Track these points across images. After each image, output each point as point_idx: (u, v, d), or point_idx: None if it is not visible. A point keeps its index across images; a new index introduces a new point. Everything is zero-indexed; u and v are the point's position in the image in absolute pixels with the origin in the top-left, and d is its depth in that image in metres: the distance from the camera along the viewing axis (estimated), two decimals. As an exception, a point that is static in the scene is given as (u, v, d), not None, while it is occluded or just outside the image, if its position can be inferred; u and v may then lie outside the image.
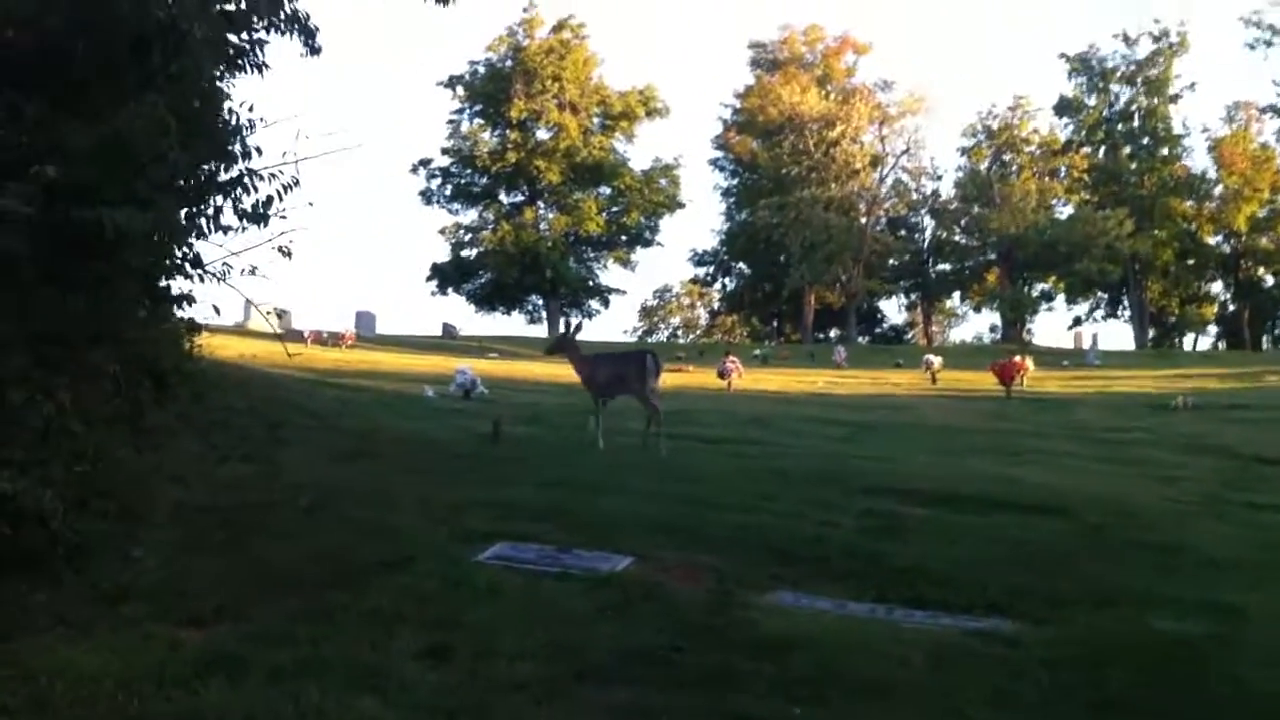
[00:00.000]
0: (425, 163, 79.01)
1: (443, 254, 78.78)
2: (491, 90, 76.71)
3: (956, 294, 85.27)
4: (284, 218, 8.52)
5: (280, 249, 8.54)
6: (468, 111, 78.93)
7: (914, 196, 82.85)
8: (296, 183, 8.47)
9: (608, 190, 78.45)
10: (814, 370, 43.25)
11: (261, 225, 8.49)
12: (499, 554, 7.30)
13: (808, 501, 9.90)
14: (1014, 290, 76.76)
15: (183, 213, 8.44)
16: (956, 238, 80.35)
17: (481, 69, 78.22)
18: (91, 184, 7.00)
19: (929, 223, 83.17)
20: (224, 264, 8.68)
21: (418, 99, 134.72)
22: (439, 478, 9.87)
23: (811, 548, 8.02)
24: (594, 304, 79.81)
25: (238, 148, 8.71)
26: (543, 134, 77.20)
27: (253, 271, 8.72)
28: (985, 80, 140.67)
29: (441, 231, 78.40)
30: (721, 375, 31.58)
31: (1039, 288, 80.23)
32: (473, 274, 77.74)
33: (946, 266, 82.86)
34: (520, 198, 78.67)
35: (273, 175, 8.51)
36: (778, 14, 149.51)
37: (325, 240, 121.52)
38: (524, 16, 77.35)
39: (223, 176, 8.73)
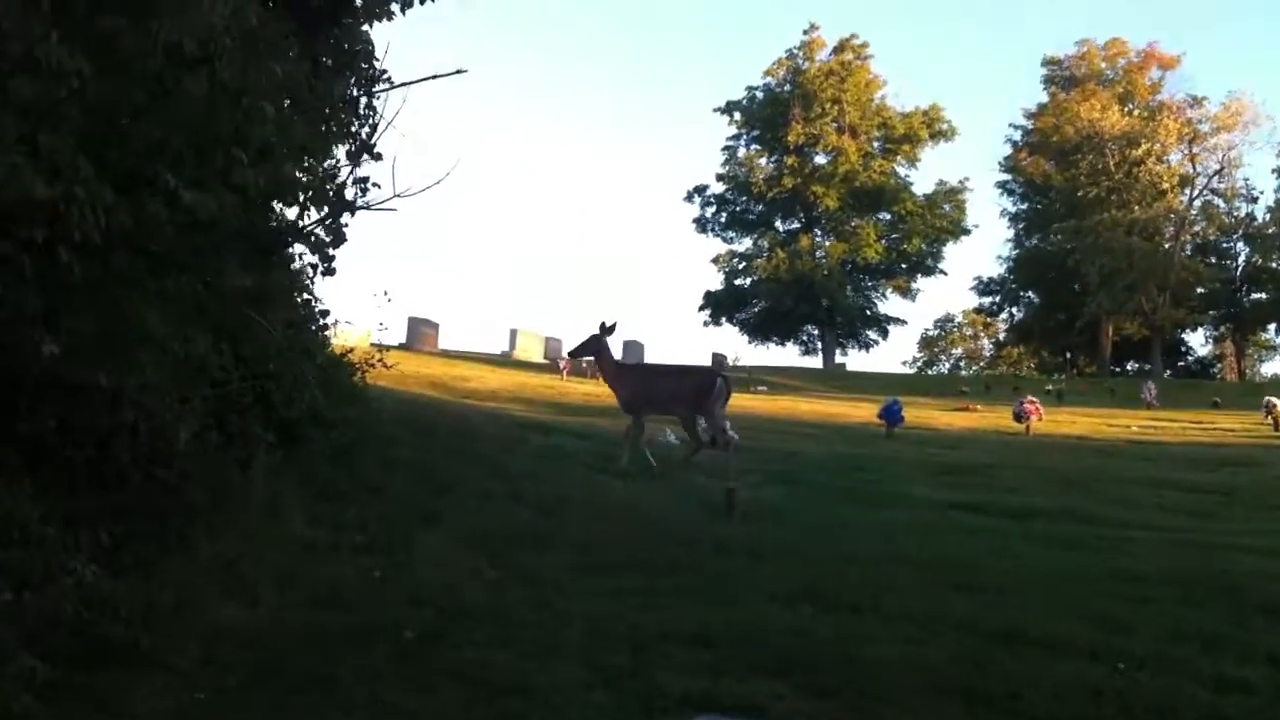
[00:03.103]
0: (700, 190, 78.17)
1: (715, 282, 77.35)
2: (769, 115, 75.18)
3: (1272, 325, 76.53)
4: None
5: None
6: (744, 137, 77.68)
7: (1226, 220, 74.97)
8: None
9: (888, 216, 74.91)
10: (1119, 410, 38.08)
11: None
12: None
13: (1182, 634, 6.45)
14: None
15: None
16: (1274, 264, 72.10)
17: (759, 94, 76.69)
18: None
19: (1243, 248, 75.02)
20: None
21: (691, 126, 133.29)
22: (632, 583, 6.97)
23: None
24: (871, 334, 76.78)
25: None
26: (820, 159, 74.79)
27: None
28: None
29: (715, 260, 77.09)
30: (1018, 418, 27.48)
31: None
32: (746, 303, 75.79)
33: (1262, 295, 74.50)
34: (796, 224, 76.28)
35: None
36: (1071, 30, 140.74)
37: (593, 267, 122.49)
38: (804, 39, 75.92)
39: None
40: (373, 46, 9.06)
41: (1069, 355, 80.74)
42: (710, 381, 13.11)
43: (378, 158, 10.18)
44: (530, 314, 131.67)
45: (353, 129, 9.29)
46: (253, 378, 8.09)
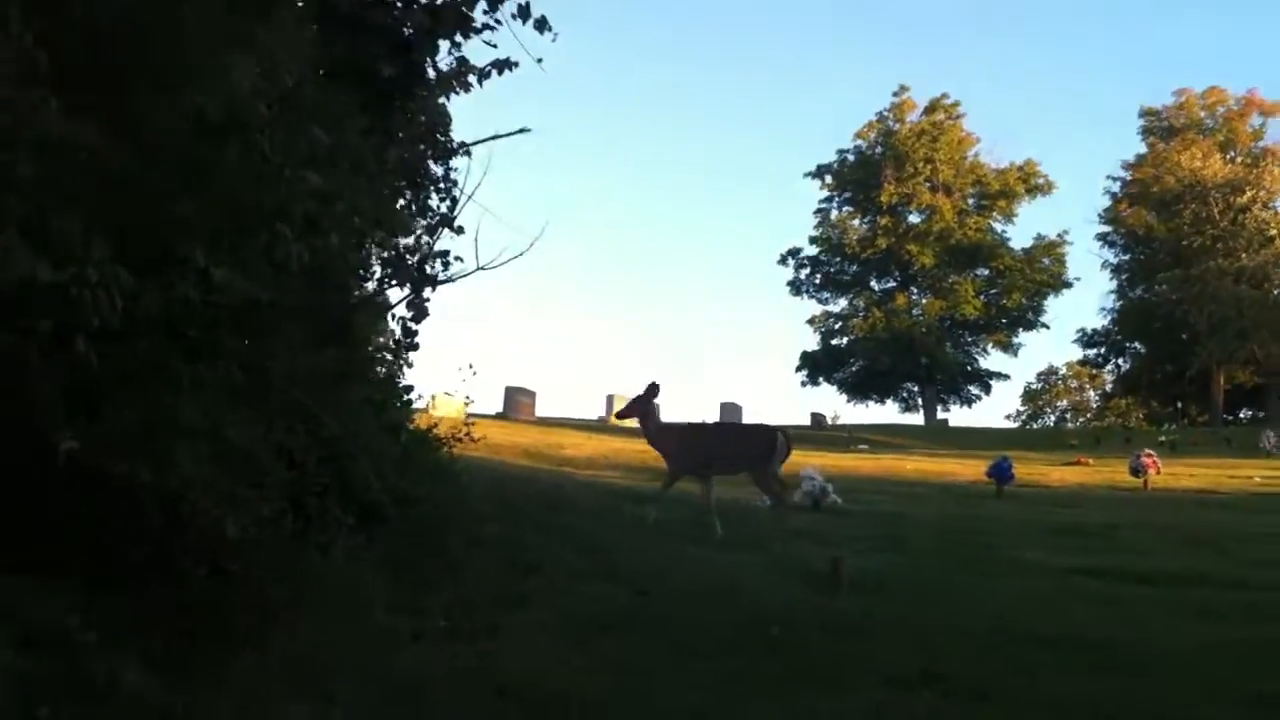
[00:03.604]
0: (794, 253, 78.26)
1: (811, 343, 77.52)
2: (861, 177, 75.81)
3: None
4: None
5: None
6: (836, 199, 78.23)
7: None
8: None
9: (985, 271, 74.29)
10: (1238, 459, 36.48)
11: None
12: None
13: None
14: None
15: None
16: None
17: (850, 156, 77.13)
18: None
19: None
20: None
21: (779, 190, 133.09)
22: (735, 668, 6.43)
23: None
24: (973, 389, 75.98)
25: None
26: (914, 217, 74.94)
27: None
28: None
29: (810, 321, 77.21)
30: (1135, 472, 26.33)
31: None
32: (844, 362, 75.32)
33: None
34: (892, 283, 75.93)
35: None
36: (1167, 81, 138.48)
37: (688, 332, 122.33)
38: (894, 100, 76.16)
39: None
40: (449, 119, 8.83)
41: (1179, 405, 78.44)
42: (772, 439, 12.55)
43: (459, 231, 9.97)
44: (626, 379, 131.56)
45: (430, 202, 9.09)
46: (331, 458, 7.79)
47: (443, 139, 8.89)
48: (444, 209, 9.50)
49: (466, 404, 12.60)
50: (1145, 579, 10.59)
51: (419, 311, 9.79)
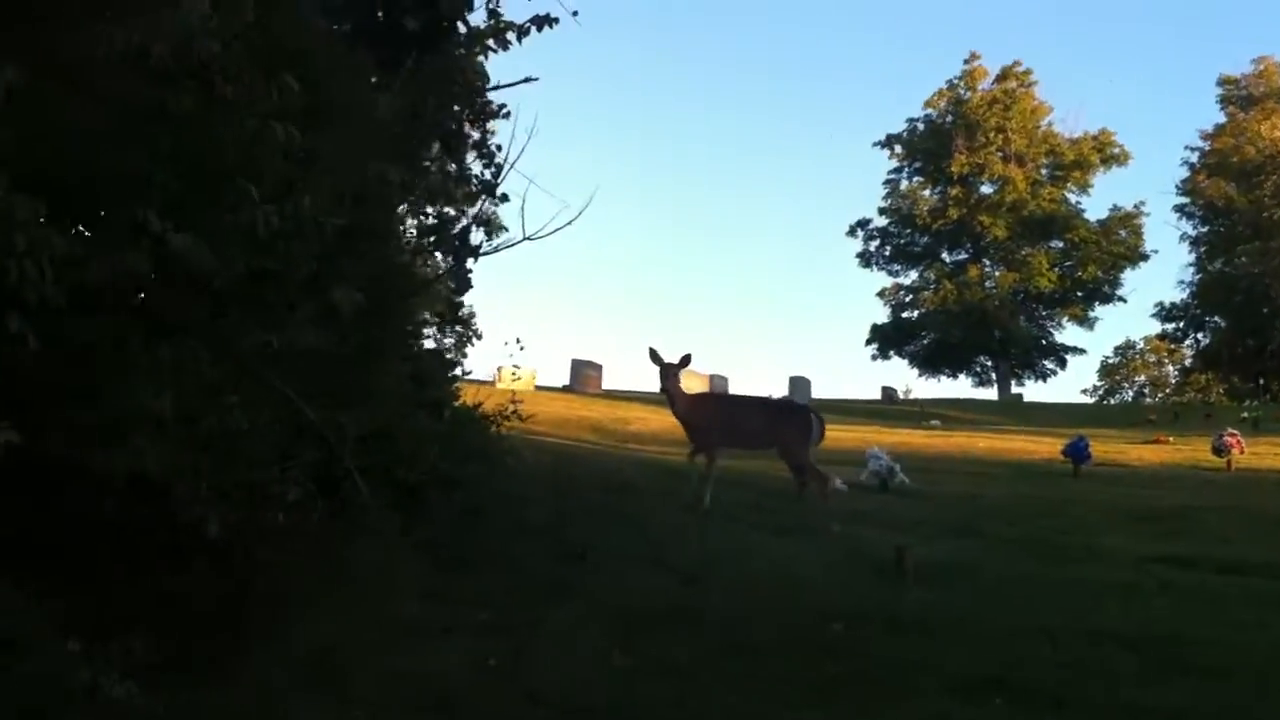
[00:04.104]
0: (863, 224, 76.94)
1: (881, 316, 76.11)
2: (931, 147, 73.98)
3: None
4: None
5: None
6: (906, 170, 76.47)
7: None
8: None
9: (1060, 244, 72.29)
10: (1324, 438, 35.13)
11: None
12: None
13: None
14: None
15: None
16: None
17: (920, 126, 75.44)
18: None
19: None
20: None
21: (845, 161, 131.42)
22: (786, 670, 5.95)
23: None
24: (1048, 364, 74.10)
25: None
26: (986, 188, 72.95)
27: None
28: None
29: (880, 294, 75.91)
30: (1218, 451, 25.28)
31: None
32: (915, 335, 73.96)
33: None
34: (963, 255, 74.28)
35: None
36: (1246, 49, 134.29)
37: (756, 305, 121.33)
38: (965, 69, 74.31)
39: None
40: (485, 79, 8.26)
41: (1261, 380, 76.30)
42: (806, 417, 11.88)
43: (503, 199, 9.46)
44: (695, 352, 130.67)
45: (470, 171, 8.60)
46: (364, 438, 7.41)
47: (482, 101, 8.34)
48: (488, 176, 9.03)
49: (511, 378, 12.11)
50: (1230, 569, 9.90)
51: (462, 283, 9.38)
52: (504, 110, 8.76)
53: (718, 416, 11.89)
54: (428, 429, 8.16)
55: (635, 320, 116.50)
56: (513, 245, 8.99)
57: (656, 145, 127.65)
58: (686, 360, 11.44)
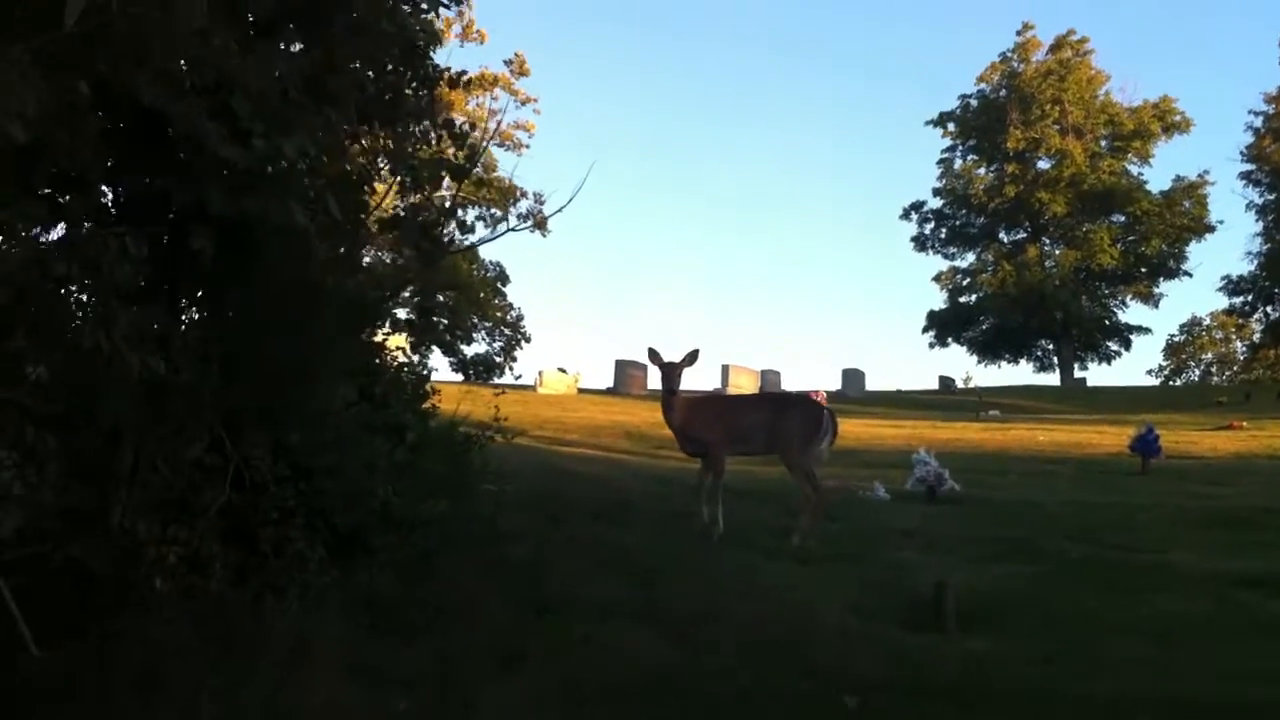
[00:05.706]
0: (917, 207, 75.23)
1: (938, 301, 74.50)
2: (985, 123, 72.19)
3: None
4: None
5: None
6: (960, 148, 74.57)
7: None
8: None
9: (1122, 218, 70.00)
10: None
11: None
12: None
13: None
14: None
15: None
16: None
17: (973, 102, 73.50)
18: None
19: None
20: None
21: (898, 142, 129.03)
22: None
23: None
24: (1112, 345, 71.86)
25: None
26: (1044, 163, 71.17)
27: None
28: None
29: (937, 278, 74.01)
30: (1298, 439, 23.73)
31: None
32: (973, 320, 72.03)
33: None
34: (1022, 235, 72.31)
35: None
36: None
37: (809, 296, 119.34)
38: (1018, 40, 72.29)
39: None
40: (424, 41, 6.94)
41: (1335, 357, 73.62)
42: (819, 413, 10.55)
43: (479, 184, 8.27)
44: (744, 348, 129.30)
45: (417, 147, 7.30)
46: (293, 477, 6.27)
47: (428, 64, 7.01)
48: (453, 155, 7.77)
49: (532, 378, 10.96)
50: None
51: (429, 283, 8.18)
52: (465, 78, 7.53)
53: (717, 418, 10.65)
54: (379, 459, 6.97)
55: (684, 316, 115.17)
56: (494, 239, 7.79)
57: (702, 134, 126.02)
58: (693, 357, 10.28)
